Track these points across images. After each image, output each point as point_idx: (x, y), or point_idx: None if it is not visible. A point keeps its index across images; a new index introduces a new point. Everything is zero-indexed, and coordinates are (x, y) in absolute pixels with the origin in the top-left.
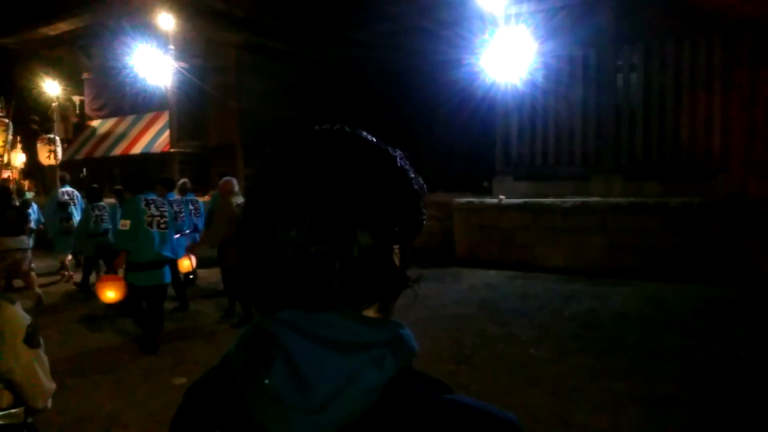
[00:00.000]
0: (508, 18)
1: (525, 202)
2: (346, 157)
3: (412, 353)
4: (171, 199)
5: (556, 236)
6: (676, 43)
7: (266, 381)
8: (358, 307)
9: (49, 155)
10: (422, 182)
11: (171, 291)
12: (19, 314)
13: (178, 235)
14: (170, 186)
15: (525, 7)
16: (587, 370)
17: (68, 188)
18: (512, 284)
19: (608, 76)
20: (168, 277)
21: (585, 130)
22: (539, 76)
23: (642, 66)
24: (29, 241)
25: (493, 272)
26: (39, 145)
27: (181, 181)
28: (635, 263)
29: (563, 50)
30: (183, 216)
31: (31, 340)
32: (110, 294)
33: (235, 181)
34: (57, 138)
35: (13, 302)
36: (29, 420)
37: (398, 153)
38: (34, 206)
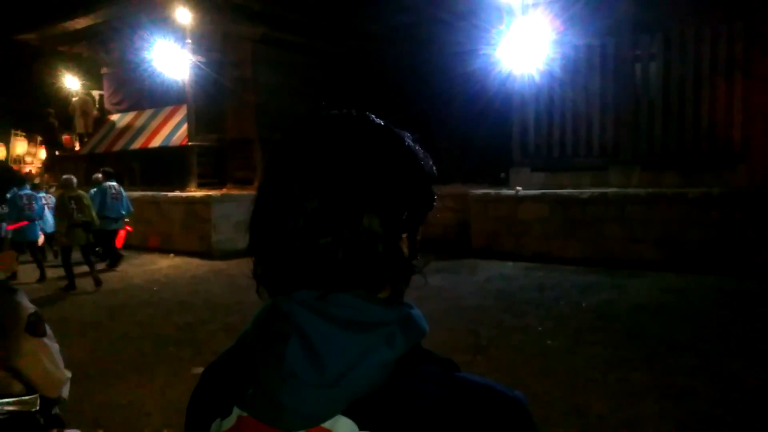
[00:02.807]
0: (525, 8)
1: (542, 193)
2: (351, 140)
3: (422, 332)
4: (23, 193)
5: (574, 227)
6: (696, 32)
7: (282, 358)
8: (369, 290)
9: None
10: (432, 164)
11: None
12: (20, 303)
13: (26, 223)
14: (21, 182)
15: None
16: (604, 360)
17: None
18: (529, 276)
19: (627, 66)
20: None
21: (603, 121)
22: (556, 67)
23: (661, 55)
24: None
25: (509, 264)
26: None
27: (65, 177)
28: (654, 254)
29: (581, 40)
30: (35, 206)
31: (33, 329)
32: None
33: (73, 179)
34: None
35: (14, 291)
36: (55, 411)
37: (406, 134)
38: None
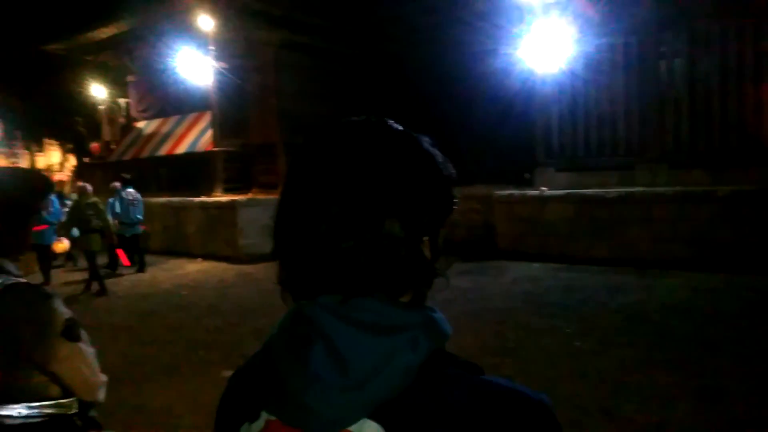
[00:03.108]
0: (546, 7)
1: (567, 193)
2: (370, 146)
3: (445, 335)
4: None
5: (601, 227)
6: (721, 28)
7: (307, 362)
8: (391, 294)
9: None
10: (452, 167)
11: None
12: (56, 308)
13: (46, 226)
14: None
15: None
16: (634, 362)
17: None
18: (556, 277)
19: (651, 64)
20: None
21: (628, 119)
22: (579, 66)
23: (686, 52)
24: None
25: (536, 265)
26: None
27: (80, 184)
28: (683, 254)
29: (604, 38)
30: (51, 210)
31: (70, 334)
32: None
33: (88, 186)
34: None
35: (50, 296)
36: (91, 413)
37: (425, 138)
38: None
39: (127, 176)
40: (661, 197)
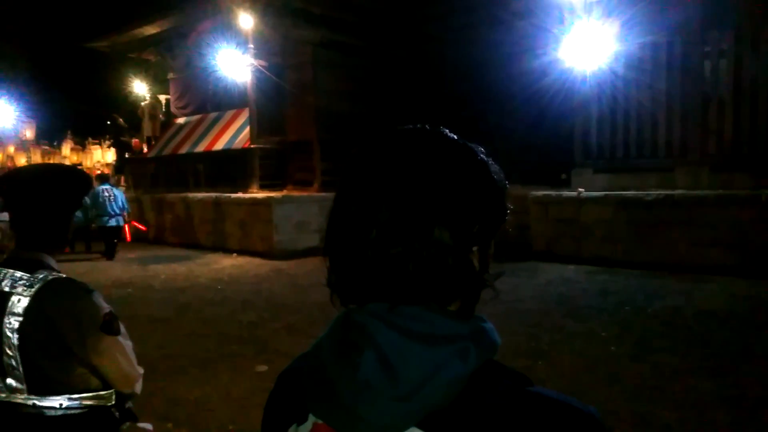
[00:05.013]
0: (587, 5)
1: (605, 194)
2: (423, 154)
3: (495, 346)
4: None
5: (639, 230)
6: None
7: (357, 369)
8: (441, 303)
9: None
10: (504, 178)
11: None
12: (96, 302)
13: None
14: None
15: None
16: (671, 368)
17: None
18: (591, 279)
19: (695, 63)
20: None
21: (669, 120)
22: (620, 65)
23: (732, 52)
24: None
25: (571, 267)
26: None
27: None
28: (724, 259)
29: (647, 37)
30: None
31: (109, 328)
32: None
33: None
34: None
35: (90, 291)
36: (128, 405)
37: (479, 149)
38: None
39: (105, 174)
40: (702, 200)
